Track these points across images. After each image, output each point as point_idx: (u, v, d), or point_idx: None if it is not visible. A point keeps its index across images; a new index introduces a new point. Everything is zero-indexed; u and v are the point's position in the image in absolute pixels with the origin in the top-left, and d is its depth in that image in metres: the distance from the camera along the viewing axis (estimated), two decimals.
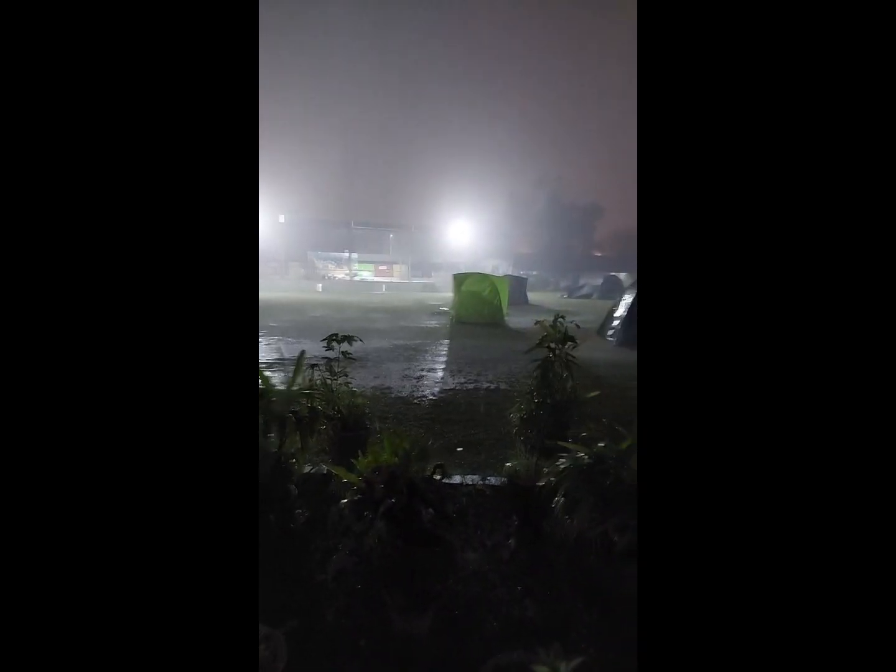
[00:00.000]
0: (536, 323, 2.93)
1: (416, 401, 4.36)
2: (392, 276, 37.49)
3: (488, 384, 5.08)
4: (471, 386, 4.99)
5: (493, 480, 2.49)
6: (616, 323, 8.66)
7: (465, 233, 44.38)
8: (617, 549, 1.33)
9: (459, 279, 12.00)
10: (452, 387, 4.94)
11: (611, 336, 8.58)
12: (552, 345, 2.79)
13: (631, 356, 7.10)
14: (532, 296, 21.63)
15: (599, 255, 47.71)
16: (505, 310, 11.78)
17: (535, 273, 36.70)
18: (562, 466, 1.54)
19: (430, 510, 1.44)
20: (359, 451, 1.70)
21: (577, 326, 3.02)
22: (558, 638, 1.37)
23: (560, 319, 2.85)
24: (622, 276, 25.23)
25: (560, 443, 1.68)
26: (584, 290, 27.43)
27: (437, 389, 4.81)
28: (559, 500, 1.48)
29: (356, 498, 1.52)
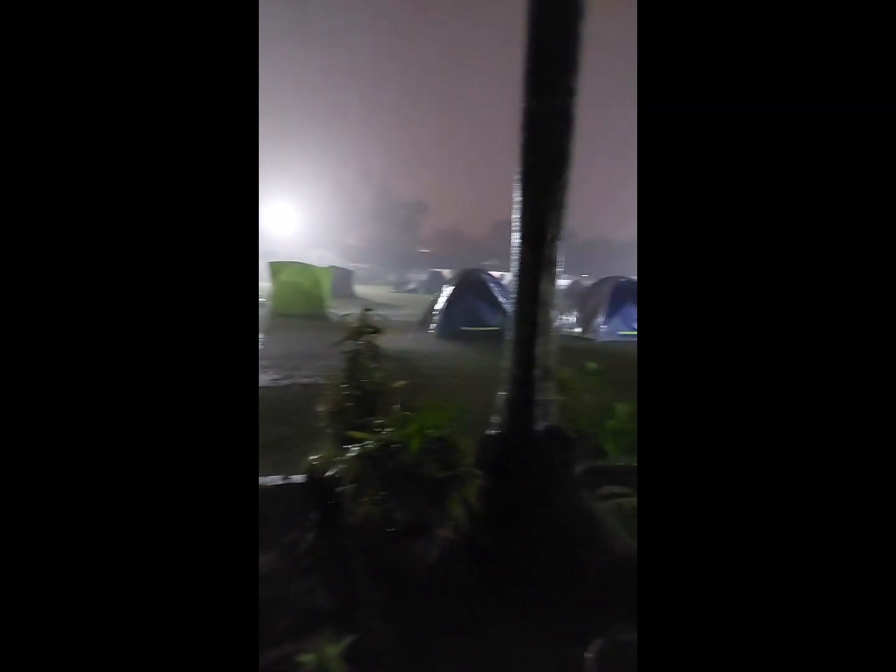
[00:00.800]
0: (343, 316, 2.94)
1: None
2: None
3: (304, 379, 4.92)
4: (285, 382, 4.78)
5: (295, 479, 2.43)
6: (436, 316, 9.21)
7: (288, 219, 41.94)
8: (400, 526, 1.42)
9: (277, 268, 11.30)
10: (263, 383, 4.66)
11: (431, 329, 9.09)
12: (360, 337, 2.83)
13: (446, 347, 7.64)
14: (361, 289, 21.60)
15: (426, 251, 49.91)
16: (327, 302, 11.51)
17: (365, 266, 36.59)
18: (350, 456, 1.58)
19: None
20: None
21: (386, 319, 3.11)
22: (346, 622, 1.41)
23: (367, 311, 2.91)
24: (445, 271, 26.87)
25: (350, 433, 1.72)
26: (411, 285, 28.40)
27: None
28: (347, 487, 1.52)
29: None
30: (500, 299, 9.20)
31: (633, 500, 1.37)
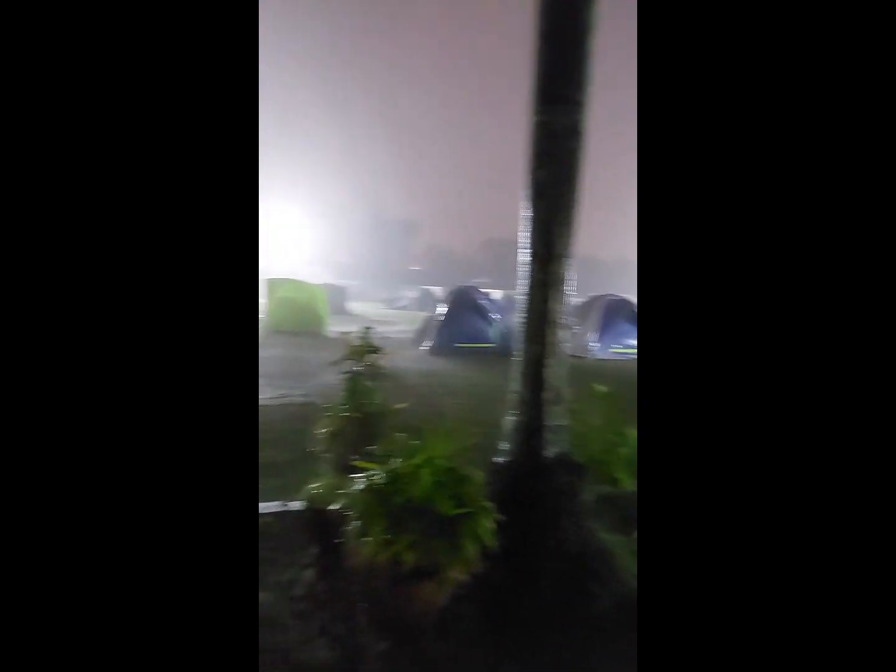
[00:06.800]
0: (343, 334, 2.84)
1: None
2: None
3: (301, 398, 4.78)
4: (281, 401, 4.64)
5: (293, 506, 2.30)
6: (429, 333, 9.12)
7: (283, 236, 42.06)
8: (407, 569, 1.31)
9: (273, 285, 11.20)
10: (260, 402, 4.52)
11: (424, 346, 8.99)
12: (359, 356, 2.73)
13: (440, 364, 7.53)
14: (352, 306, 21.48)
15: (416, 268, 50.00)
16: (325, 319, 11.39)
17: (355, 283, 36.55)
18: (357, 488, 1.47)
19: None
20: None
21: (388, 337, 3.01)
22: None
23: (367, 330, 2.81)
24: (436, 289, 26.84)
25: (356, 463, 1.61)
26: (402, 302, 28.31)
27: None
28: (352, 523, 1.41)
29: None
30: (493, 316, 9.15)
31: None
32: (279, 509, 2.27)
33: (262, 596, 1.63)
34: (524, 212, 1.98)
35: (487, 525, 1.42)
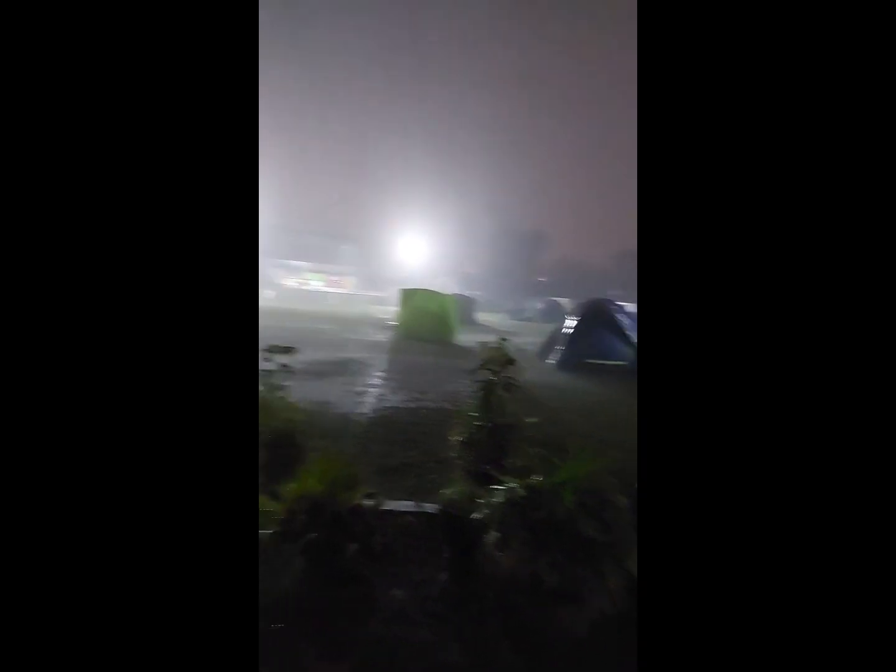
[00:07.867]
0: (483, 345, 2.90)
1: (356, 417, 4.20)
2: (343, 288, 37.02)
3: (431, 403, 4.99)
4: (413, 404, 4.89)
5: (427, 507, 2.39)
6: (557, 346, 8.88)
7: (416, 249, 44.70)
8: (546, 588, 1.28)
9: (407, 294, 11.90)
10: (394, 404, 4.82)
11: (551, 359, 8.78)
12: (495, 367, 2.76)
13: (569, 380, 7.28)
14: (478, 316, 21.91)
15: (542, 279, 49.24)
16: (456, 328, 11.78)
17: (480, 293, 37.27)
18: (495, 499, 1.48)
19: (355, 545, 1.33)
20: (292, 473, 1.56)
21: (517, 348, 3.00)
22: None
23: (503, 341, 2.84)
24: (563, 301, 26.10)
25: (494, 473, 1.63)
26: (528, 313, 28.03)
27: (379, 406, 4.68)
28: (492, 535, 1.42)
29: (276, 530, 1.39)
30: (628, 332, 8.58)
31: None
32: (414, 509, 2.38)
33: (396, 592, 1.73)
34: None
35: (633, 554, 1.32)
